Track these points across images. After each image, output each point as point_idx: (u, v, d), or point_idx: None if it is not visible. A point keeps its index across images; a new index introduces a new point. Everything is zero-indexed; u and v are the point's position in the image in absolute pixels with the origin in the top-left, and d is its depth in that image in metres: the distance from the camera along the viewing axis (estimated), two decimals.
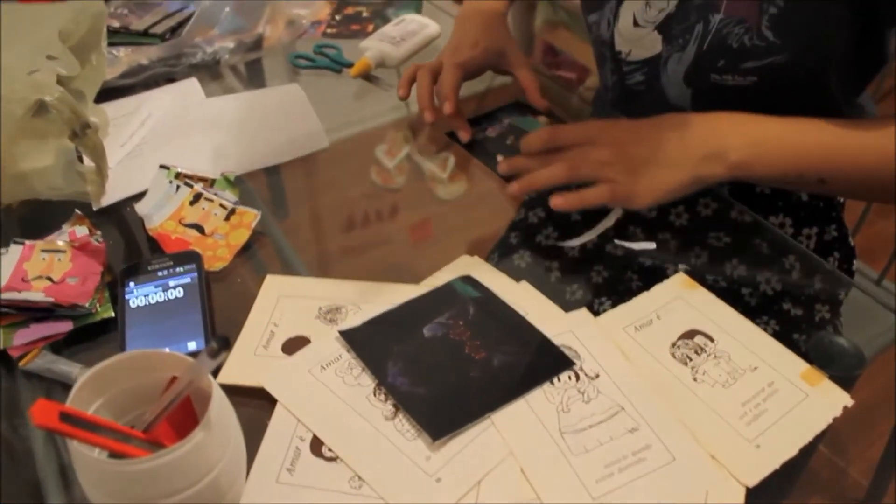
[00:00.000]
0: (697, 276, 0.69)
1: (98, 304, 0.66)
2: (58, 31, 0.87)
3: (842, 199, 0.95)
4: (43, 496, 0.54)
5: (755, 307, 0.68)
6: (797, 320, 0.68)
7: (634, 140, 0.72)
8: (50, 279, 0.67)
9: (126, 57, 1.00)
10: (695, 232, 0.76)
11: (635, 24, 0.84)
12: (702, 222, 0.77)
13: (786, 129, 0.71)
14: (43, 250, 0.70)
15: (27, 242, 0.71)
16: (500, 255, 0.74)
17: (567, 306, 0.66)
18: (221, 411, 0.47)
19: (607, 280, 0.70)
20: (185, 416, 0.49)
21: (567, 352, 0.60)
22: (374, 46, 0.98)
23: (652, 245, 0.73)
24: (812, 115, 0.72)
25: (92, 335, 0.65)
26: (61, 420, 0.43)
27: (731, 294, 0.68)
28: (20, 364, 0.62)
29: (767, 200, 0.90)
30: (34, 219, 0.77)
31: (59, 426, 0.43)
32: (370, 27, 1.09)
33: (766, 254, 0.74)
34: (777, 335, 0.63)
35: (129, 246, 0.75)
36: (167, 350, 0.51)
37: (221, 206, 0.76)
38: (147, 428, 0.48)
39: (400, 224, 0.81)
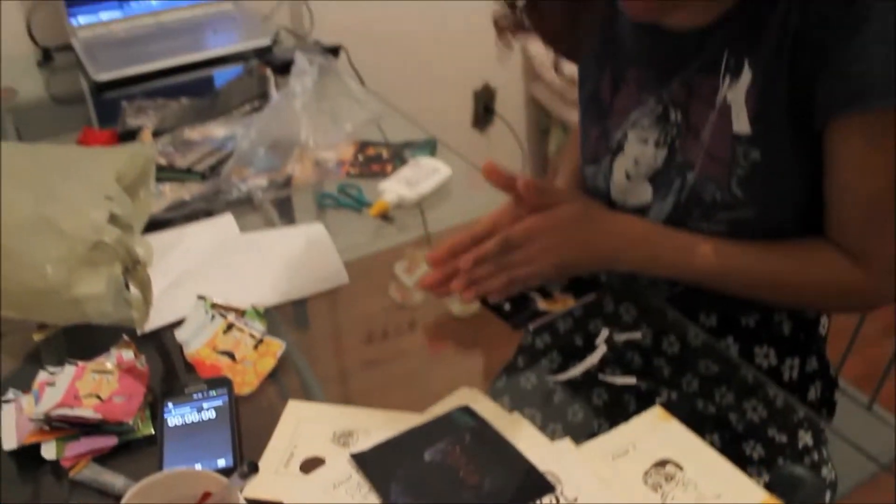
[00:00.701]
0: (685, 403, 0.78)
1: (140, 422, 0.76)
2: (115, 174, 1.00)
3: (823, 333, 1.04)
4: None
5: (742, 433, 0.76)
6: (782, 447, 0.76)
7: (552, 247, 0.85)
8: (98, 397, 0.77)
9: (171, 192, 1.13)
10: (683, 362, 0.85)
11: (627, 177, 0.96)
12: (691, 353, 0.86)
13: (680, 244, 0.88)
14: (93, 371, 0.80)
15: (79, 363, 0.81)
16: (507, 377, 0.83)
17: (564, 428, 0.75)
18: None
19: (600, 407, 0.79)
20: None
21: (550, 477, 0.68)
22: (391, 189, 1.10)
23: (632, 380, 0.82)
24: None
25: (134, 449, 0.74)
26: None
27: (717, 420, 0.76)
28: (70, 473, 0.71)
29: (752, 333, 0.99)
30: (85, 341, 0.87)
31: None
32: (389, 168, 1.21)
33: (751, 384, 0.82)
34: (762, 461, 0.71)
35: (168, 369, 0.85)
36: (200, 467, 0.60)
37: (251, 335, 0.86)
38: None
39: (414, 341, 0.90)
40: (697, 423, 0.74)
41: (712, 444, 0.72)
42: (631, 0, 0.81)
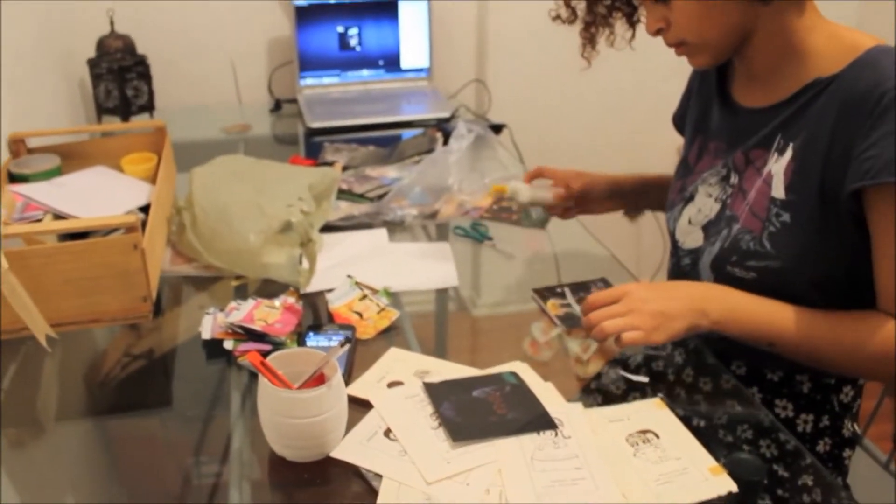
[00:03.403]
0: (711, 431, 0.97)
1: (289, 340, 1.09)
2: (308, 184, 1.37)
3: (846, 400, 1.21)
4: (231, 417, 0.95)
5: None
6: (782, 480, 0.92)
7: (653, 298, 1.03)
8: (265, 321, 1.11)
9: (346, 208, 1.49)
10: (713, 396, 1.05)
11: (689, 222, 1.21)
12: (722, 392, 1.06)
13: (755, 303, 1.04)
14: (266, 305, 1.15)
15: (259, 300, 1.16)
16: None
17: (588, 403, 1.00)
18: (337, 386, 0.87)
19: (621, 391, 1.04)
20: (320, 384, 0.88)
21: (556, 420, 0.95)
22: (514, 183, 1.39)
23: (645, 379, 1.06)
24: None
25: None
26: (261, 364, 0.85)
27: (734, 450, 0.94)
28: (238, 360, 1.05)
29: (775, 386, 1.19)
30: (265, 288, 1.23)
31: (260, 367, 0.85)
32: (515, 216, 1.52)
33: (768, 428, 0.99)
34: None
35: (315, 314, 1.19)
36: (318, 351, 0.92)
37: (377, 304, 1.19)
38: (300, 385, 0.88)
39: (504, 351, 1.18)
40: (716, 447, 0.93)
41: (723, 463, 0.90)
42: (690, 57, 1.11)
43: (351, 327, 1.12)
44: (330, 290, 1.23)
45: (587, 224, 1.50)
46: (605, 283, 1.28)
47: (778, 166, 1.07)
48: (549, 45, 2.33)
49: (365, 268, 1.31)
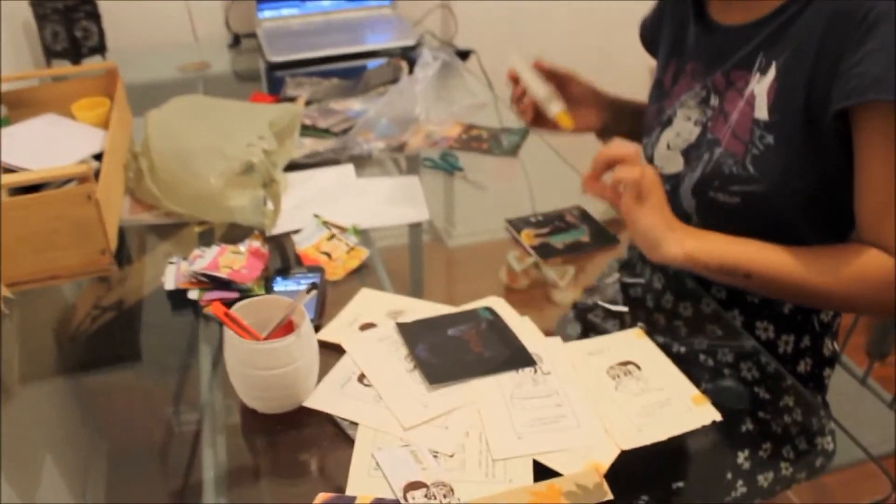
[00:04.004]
0: (692, 356, 0.96)
1: (256, 286, 1.05)
2: (268, 121, 1.32)
3: (826, 320, 1.20)
4: (200, 370, 0.92)
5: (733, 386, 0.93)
6: (764, 403, 0.91)
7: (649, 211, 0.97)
8: (231, 267, 1.07)
9: (310, 144, 1.44)
10: (694, 321, 1.04)
11: (668, 147, 1.17)
12: (702, 316, 1.05)
13: (731, 239, 1.00)
14: (231, 251, 1.11)
15: (223, 245, 1.12)
16: (558, 325, 1.04)
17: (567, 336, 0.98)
18: (306, 334, 0.83)
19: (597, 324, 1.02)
20: (289, 332, 0.85)
21: (535, 357, 0.92)
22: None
23: (625, 308, 1.04)
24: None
25: None
26: (226, 315, 0.81)
27: (716, 374, 0.94)
28: (204, 310, 1.01)
29: (755, 308, 1.17)
30: (230, 233, 1.19)
31: (224, 318, 0.81)
32: (485, 145, 1.48)
33: (749, 351, 0.98)
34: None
35: (283, 257, 1.15)
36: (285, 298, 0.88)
37: (346, 244, 1.15)
38: (267, 334, 0.84)
39: (477, 281, 1.15)
40: (698, 374, 0.92)
41: (705, 392, 0.90)
42: None
43: (319, 269, 1.08)
44: (297, 231, 1.19)
45: (560, 149, 1.45)
46: (581, 211, 1.25)
47: (760, 87, 1.02)
48: None
49: (332, 206, 1.26)
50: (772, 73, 1.01)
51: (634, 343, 0.97)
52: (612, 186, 0.99)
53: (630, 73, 2.61)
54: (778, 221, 1.03)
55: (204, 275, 1.05)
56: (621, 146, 0.97)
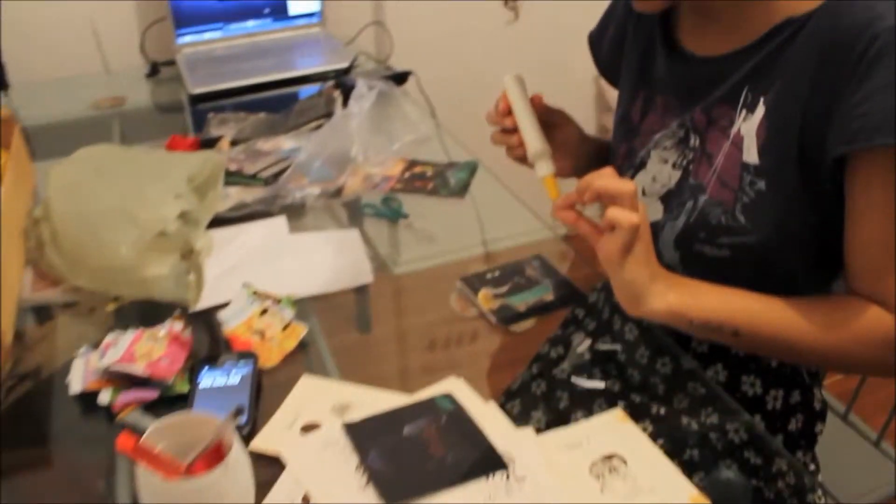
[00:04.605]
0: (674, 419, 0.87)
1: (179, 381, 0.91)
2: (187, 175, 1.17)
3: (814, 370, 1.10)
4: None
5: (721, 451, 0.84)
6: (756, 468, 0.83)
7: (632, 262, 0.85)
8: (149, 357, 0.93)
9: (236, 194, 1.29)
10: (675, 382, 0.93)
11: (643, 193, 1.05)
12: (683, 374, 0.94)
13: (717, 291, 0.89)
14: (148, 337, 0.96)
15: (139, 330, 0.97)
16: (521, 381, 0.93)
17: (538, 421, 0.86)
18: (237, 461, 0.70)
19: (569, 407, 0.90)
20: (218, 461, 0.71)
21: (505, 458, 0.80)
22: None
23: (601, 385, 0.92)
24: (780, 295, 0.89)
25: (171, 403, 0.89)
26: (136, 450, 0.67)
27: (701, 438, 0.84)
28: (118, 417, 0.87)
29: (741, 362, 1.07)
30: (147, 312, 1.04)
31: (134, 455, 0.67)
32: (430, 185, 1.35)
33: (734, 410, 0.89)
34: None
35: (209, 339, 1.00)
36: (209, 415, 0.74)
37: (281, 319, 1.01)
38: (190, 464, 0.70)
39: (429, 343, 1.03)
40: (681, 438, 0.83)
41: (692, 459, 0.81)
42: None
43: (252, 356, 0.94)
44: (224, 306, 1.04)
45: (512, 183, 1.33)
46: (541, 262, 1.13)
47: (748, 126, 0.91)
48: None
49: (263, 271, 1.12)
50: (760, 110, 0.90)
51: (617, 429, 0.85)
52: (589, 222, 0.87)
53: (574, 87, 2.53)
54: (770, 271, 0.93)
55: (117, 372, 0.90)
56: (617, 180, 0.83)
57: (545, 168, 0.98)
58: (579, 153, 1.14)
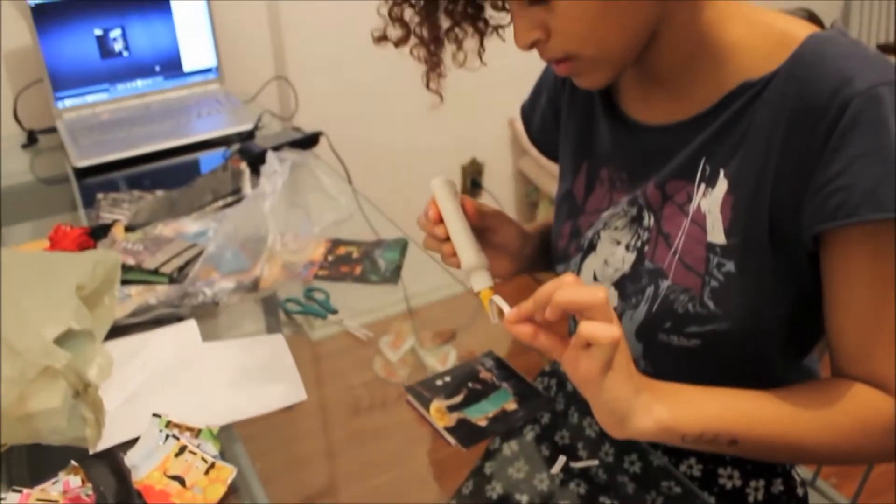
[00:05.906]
0: None
1: None
2: (75, 285, 1.00)
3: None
4: None
5: None
6: None
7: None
8: None
9: (137, 296, 1.13)
10: (646, 478, 0.85)
11: (595, 278, 0.95)
12: (653, 472, 0.85)
13: (707, 395, 0.79)
14: (38, 499, 0.79)
15: (25, 491, 0.80)
16: (474, 483, 0.83)
17: None
18: None
19: None
20: None
21: None
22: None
23: (595, 462, 0.83)
24: (754, 378, 0.80)
25: None
26: None
27: None
28: None
29: (715, 454, 0.97)
30: (33, 463, 0.87)
31: None
32: (358, 269, 1.22)
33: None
34: None
35: (117, 495, 0.84)
36: None
37: (203, 459, 0.86)
38: None
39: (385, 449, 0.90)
40: None
41: None
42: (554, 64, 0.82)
43: None
44: (132, 442, 0.88)
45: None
46: (495, 360, 1.01)
47: (710, 202, 0.82)
48: (356, 27, 2.00)
49: (175, 392, 0.97)
50: (722, 184, 0.81)
51: None
52: (552, 336, 0.75)
53: (488, 142, 2.45)
54: (744, 356, 0.85)
55: None
56: (584, 289, 0.71)
57: (480, 282, 0.87)
58: (521, 255, 1.03)
